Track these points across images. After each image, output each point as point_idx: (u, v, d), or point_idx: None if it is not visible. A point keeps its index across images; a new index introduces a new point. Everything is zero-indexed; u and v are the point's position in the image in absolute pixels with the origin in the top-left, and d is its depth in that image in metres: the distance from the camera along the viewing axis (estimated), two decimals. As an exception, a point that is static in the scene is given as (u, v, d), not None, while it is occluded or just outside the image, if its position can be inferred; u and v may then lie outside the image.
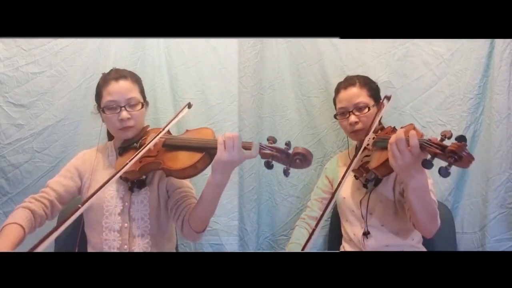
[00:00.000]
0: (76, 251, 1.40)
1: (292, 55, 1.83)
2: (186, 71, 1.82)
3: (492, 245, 1.69)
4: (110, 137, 1.52)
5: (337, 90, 1.57)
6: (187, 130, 1.41)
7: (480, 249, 1.72)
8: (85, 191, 1.41)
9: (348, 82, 1.53)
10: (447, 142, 1.08)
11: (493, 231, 1.70)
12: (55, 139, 1.77)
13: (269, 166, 1.15)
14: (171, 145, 1.33)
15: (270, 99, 1.84)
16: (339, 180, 1.50)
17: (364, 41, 1.78)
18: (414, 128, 1.27)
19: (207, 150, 1.24)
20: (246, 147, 1.17)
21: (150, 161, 1.30)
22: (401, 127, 1.38)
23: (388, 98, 1.47)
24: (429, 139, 1.11)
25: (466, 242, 1.74)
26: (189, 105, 1.46)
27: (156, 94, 1.83)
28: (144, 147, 1.25)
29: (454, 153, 1.03)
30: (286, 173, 1.14)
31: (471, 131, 1.73)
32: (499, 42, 1.67)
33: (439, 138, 1.10)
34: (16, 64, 1.73)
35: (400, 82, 1.76)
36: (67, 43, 1.76)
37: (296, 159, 1.13)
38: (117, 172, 1.17)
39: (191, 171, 1.25)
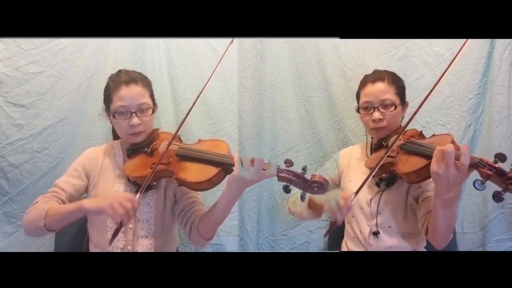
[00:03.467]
0: (83, 251, 1.41)
1: (292, 55, 1.83)
2: (186, 71, 1.82)
3: (492, 245, 1.70)
4: (115, 136, 1.50)
5: (363, 83, 1.50)
6: (199, 140, 1.41)
7: (480, 249, 1.72)
8: (91, 189, 1.40)
9: (377, 76, 1.47)
10: (501, 166, 1.03)
11: (493, 231, 1.70)
12: (55, 139, 1.77)
13: (287, 190, 1.15)
14: (185, 156, 1.32)
15: (270, 99, 1.84)
16: (354, 177, 1.51)
17: (364, 41, 1.78)
18: (453, 141, 1.24)
19: (223, 166, 1.24)
20: (264, 168, 1.16)
21: (162, 169, 1.29)
22: (433, 135, 1.37)
23: None
24: (482, 159, 1.06)
25: (466, 242, 1.74)
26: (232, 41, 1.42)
27: (156, 94, 1.79)
28: (162, 156, 1.27)
29: None
30: (302, 198, 1.15)
31: (471, 131, 1.73)
32: (499, 42, 1.67)
33: (492, 160, 1.05)
34: (16, 64, 1.73)
35: (400, 82, 1.76)
36: (67, 43, 1.75)
37: (314, 186, 1.13)
38: (144, 187, 1.23)
39: (206, 185, 1.26)
